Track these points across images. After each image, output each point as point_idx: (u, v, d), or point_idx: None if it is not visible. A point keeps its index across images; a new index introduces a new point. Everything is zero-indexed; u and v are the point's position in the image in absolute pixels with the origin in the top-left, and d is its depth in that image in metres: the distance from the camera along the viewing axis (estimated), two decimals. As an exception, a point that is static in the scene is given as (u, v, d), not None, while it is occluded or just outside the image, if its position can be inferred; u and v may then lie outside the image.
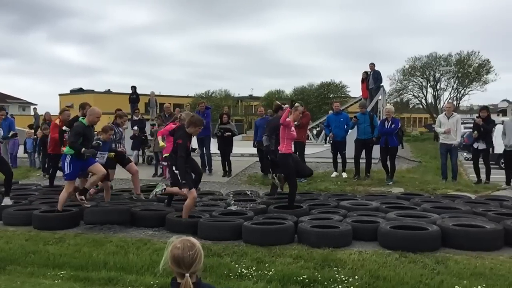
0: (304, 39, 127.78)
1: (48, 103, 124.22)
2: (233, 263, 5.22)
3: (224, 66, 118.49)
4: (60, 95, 55.89)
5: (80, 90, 55.30)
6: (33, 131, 16.39)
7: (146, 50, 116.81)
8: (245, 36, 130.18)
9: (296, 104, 8.48)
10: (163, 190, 7.23)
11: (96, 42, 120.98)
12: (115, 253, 5.75)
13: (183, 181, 6.57)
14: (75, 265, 5.50)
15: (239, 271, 4.97)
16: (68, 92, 55.82)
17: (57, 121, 9.46)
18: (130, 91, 20.35)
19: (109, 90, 56.24)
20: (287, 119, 7.20)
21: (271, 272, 4.88)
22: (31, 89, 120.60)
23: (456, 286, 4.38)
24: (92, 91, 55.25)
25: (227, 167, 11.88)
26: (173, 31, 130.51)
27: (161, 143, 8.75)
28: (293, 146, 8.24)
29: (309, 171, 8.51)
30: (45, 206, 7.64)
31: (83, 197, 7.26)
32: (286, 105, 8.56)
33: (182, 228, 6.44)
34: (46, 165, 11.84)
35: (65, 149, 7.19)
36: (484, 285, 4.39)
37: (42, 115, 18.13)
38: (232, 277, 4.85)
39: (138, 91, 20.37)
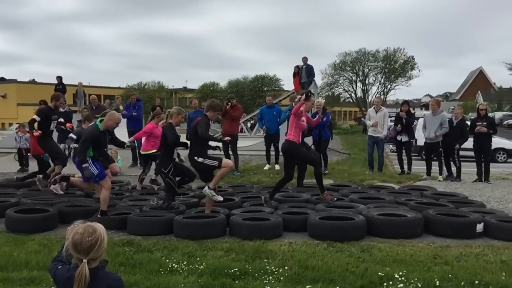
0: (239, 31, 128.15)
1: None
2: (163, 258, 5.13)
3: (158, 57, 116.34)
4: (-22, 84, 52.26)
5: (2, 80, 51.96)
6: None
7: (74, 39, 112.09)
8: (180, 26, 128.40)
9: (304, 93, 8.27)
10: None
11: (18, 28, 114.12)
12: (38, 251, 5.47)
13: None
14: (-7, 266, 5.16)
15: (170, 266, 4.90)
16: (-13, 81, 52.34)
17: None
18: (56, 82, 19.42)
19: (34, 80, 53.29)
20: (301, 109, 7.23)
21: (202, 266, 4.85)
22: None
23: (379, 273, 4.57)
24: (15, 81, 52.14)
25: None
26: (103, 19, 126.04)
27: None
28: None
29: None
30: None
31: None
32: (298, 96, 8.55)
33: (110, 224, 6.24)
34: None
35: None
36: (404, 271, 4.62)
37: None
38: (162, 272, 4.77)
39: (65, 81, 19.49)
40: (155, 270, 4.79)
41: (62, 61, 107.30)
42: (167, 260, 5.04)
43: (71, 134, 8.31)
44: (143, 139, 9.26)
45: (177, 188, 6.90)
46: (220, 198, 6.51)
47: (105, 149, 7.21)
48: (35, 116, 8.34)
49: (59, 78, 19.31)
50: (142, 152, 9.41)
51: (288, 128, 7.49)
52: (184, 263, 4.94)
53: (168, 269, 4.81)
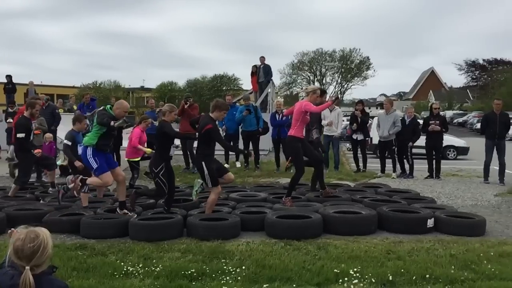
0: (197, 31, 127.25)
1: None
2: (118, 261, 5.02)
3: (114, 55, 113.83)
4: None
5: None
6: None
7: (24, 36, 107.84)
8: (136, 25, 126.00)
9: (313, 87, 7.92)
10: (202, 187, 6.73)
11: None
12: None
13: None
14: None
15: (125, 269, 4.79)
16: None
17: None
18: (5, 81, 18.67)
19: (-19, 78, 50.90)
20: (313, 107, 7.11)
21: (158, 268, 4.78)
22: None
23: (334, 270, 4.65)
24: (-40, 79, 49.59)
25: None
26: (55, 16, 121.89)
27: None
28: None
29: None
30: None
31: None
32: (303, 93, 8.51)
33: (62, 227, 6.06)
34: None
35: (85, 139, 6.52)
36: (359, 267, 4.72)
37: None
38: (117, 276, 4.66)
39: (15, 80, 18.78)
40: (110, 274, 4.67)
41: (12, 59, 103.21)
42: (122, 263, 4.93)
43: (65, 141, 7.77)
44: (128, 144, 9.06)
45: (167, 189, 6.60)
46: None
47: (111, 143, 6.82)
48: (19, 135, 7.85)
49: (9, 77, 18.59)
50: (128, 159, 9.14)
51: (293, 122, 7.30)
52: (140, 265, 4.85)
53: (123, 272, 4.71)
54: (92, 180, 6.75)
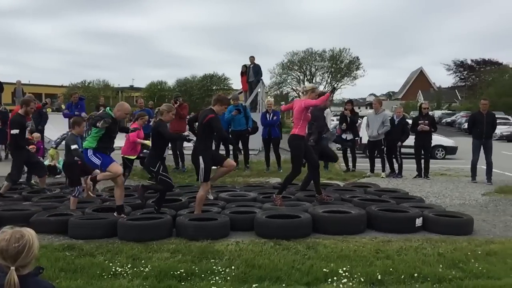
0: (187, 30, 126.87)
1: None
2: (107, 262, 4.98)
3: (103, 54, 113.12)
4: None
5: None
6: None
7: (12, 35, 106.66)
8: (126, 24, 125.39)
9: (311, 86, 7.77)
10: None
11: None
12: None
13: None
14: None
15: (114, 269, 4.75)
16: None
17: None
18: (-7, 80, 18.41)
19: (-32, 77, 50.29)
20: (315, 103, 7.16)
21: (147, 269, 4.75)
22: None
23: (324, 269, 4.65)
24: None
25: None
26: (44, 15, 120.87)
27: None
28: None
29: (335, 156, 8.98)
30: None
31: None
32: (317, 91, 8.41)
33: (50, 228, 6.01)
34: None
35: (85, 144, 6.44)
36: (348, 267, 4.73)
37: None
38: (105, 277, 4.63)
39: (2, 79, 18.54)
40: (98, 275, 4.63)
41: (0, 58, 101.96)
42: (111, 264, 4.89)
43: (75, 146, 7.34)
44: (124, 141, 8.98)
45: (172, 182, 6.62)
46: (210, 197, 7.05)
47: (113, 145, 6.70)
48: (14, 131, 7.81)
49: (-5, 75, 18.36)
50: (123, 156, 9.05)
51: (295, 121, 7.27)
52: (129, 266, 4.82)
53: (111, 273, 4.67)
54: (102, 175, 6.62)
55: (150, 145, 7.51)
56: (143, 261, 4.98)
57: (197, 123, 6.69)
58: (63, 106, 14.76)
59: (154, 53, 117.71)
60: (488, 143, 10.58)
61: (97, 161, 6.32)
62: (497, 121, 11.37)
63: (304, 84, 55.00)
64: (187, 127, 8.74)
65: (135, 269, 4.75)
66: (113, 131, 6.46)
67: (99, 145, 6.31)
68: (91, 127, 6.39)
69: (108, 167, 6.32)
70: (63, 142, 7.92)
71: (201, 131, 6.47)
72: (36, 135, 10.36)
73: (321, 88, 55.12)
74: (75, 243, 5.67)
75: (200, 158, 6.34)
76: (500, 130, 27.50)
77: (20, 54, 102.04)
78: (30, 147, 8.05)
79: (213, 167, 6.62)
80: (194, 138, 6.78)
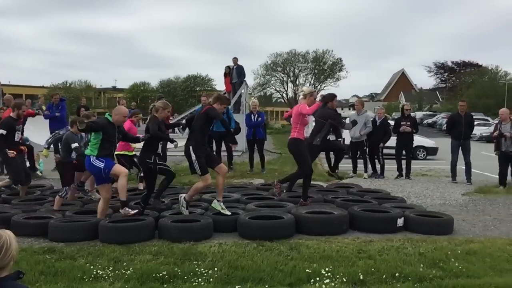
0: (170, 30, 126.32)
1: None
2: (88, 264, 4.92)
3: (85, 55, 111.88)
4: None
5: None
6: None
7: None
8: (107, 24, 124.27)
9: (309, 90, 7.96)
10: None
11: None
12: None
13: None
14: None
15: (95, 272, 4.70)
16: None
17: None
18: (-29, 80, 18.09)
19: None
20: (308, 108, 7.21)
21: (129, 271, 4.70)
22: None
23: (306, 270, 4.67)
24: None
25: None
26: (24, 14, 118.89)
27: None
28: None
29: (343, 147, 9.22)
30: None
31: None
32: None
33: (29, 230, 5.91)
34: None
35: (86, 151, 6.32)
36: (331, 267, 4.76)
37: None
38: (86, 280, 4.57)
39: (-19, 79, 18.21)
40: (79, 278, 4.58)
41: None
42: (92, 267, 4.84)
43: (76, 144, 7.40)
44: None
45: (172, 169, 6.68)
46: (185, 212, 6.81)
47: (114, 149, 6.62)
48: (0, 131, 7.68)
49: (-26, 76, 18.04)
50: (123, 153, 8.93)
51: (293, 125, 7.45)
52: (110, 269, 4.77)
53: (92, 276, 4.62)
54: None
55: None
56: (124, 264, 4.94)
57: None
58: (44, 107, 14.53)
59: (137, 54, 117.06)
60: (466, 143, 10.74)
61: (100, 164, 6.22)
62: (477, 122, 11.55)
63: (287, 85, 55.17)
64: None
65: (116, 271, 4.71)
66: (112, 136, 6.37)
67: (101, 152, 6.22)
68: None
69: (112, 170, 6.27)
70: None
71: (197, 124, 6.46)
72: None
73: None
74: (55, 246, 5.60)
75: (190, 148, 6.34)
76: (479, 131, 27.97)
77: (0, 54, 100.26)
78: (12, 151, 7.88)
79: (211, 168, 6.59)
80: (177, 142, 6.81)
